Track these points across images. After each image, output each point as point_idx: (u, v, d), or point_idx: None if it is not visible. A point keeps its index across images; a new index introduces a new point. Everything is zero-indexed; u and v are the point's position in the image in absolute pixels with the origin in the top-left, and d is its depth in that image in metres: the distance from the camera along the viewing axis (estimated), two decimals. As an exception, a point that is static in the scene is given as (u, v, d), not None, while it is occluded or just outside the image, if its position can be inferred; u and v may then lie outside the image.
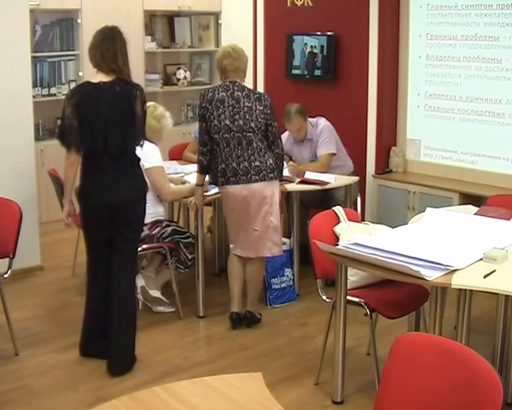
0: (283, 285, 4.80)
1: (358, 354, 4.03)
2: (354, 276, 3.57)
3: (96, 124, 3.62)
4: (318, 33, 6.35)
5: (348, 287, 3.39)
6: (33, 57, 5.63)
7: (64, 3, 6.28)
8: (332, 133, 5.35)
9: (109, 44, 3.65)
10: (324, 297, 3.59)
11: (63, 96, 6.16)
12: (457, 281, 2.84)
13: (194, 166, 4.45)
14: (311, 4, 6.46)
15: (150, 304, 4.56)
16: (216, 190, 4.38)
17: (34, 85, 5.95)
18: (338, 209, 3.85)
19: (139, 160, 3.81)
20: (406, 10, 5.89)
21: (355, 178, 5.19)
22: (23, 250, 4.34)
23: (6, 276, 3.92)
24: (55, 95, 6.35)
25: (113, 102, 3.64)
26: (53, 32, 6.34)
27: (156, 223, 4.47)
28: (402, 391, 2.17)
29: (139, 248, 4.22)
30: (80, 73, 6.32)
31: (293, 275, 4.87)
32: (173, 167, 5.10)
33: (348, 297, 3.37)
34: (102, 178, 3.70)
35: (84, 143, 3.65)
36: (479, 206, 4.09)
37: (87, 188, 3.74)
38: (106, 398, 2.24)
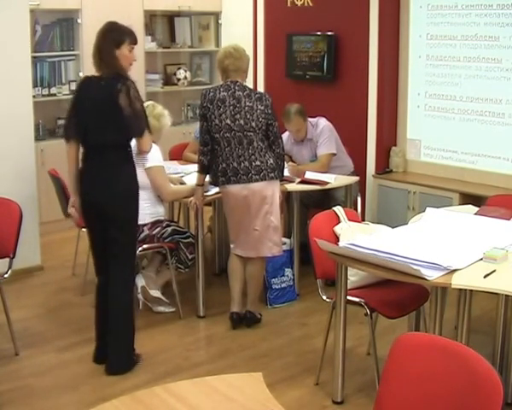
0: (283, 285, 4.80)
1: (358, 354, 4.03)
2: (354, 276, 3.57)
3: (81, 116, 3.71)
4: (318, 33, 6.35)
5: (348, 287, 3.39)
6: (33, 57, 5.63)
7: (64, 3, 6.29)
8: (332, 133, 5.36)
9: (95, 41, 3.72)
10: (324, 297, 3.59)
11: (63, 96, 6.28)
12: (457, 281, 2.84)
13: (195, 166, 4.45)
14: (311, 4, 6.46)
15: (150, 304, 4.56)
16: (216, 190, 4.38)
17: (34, 85, 5.95)
18: (338, 209, 3.85)
19: (131, 157, 3.73)
20: (406, 10, 5.89)
21: (355, 178, 5.19)
22: (23, 250, 4.34)
23: (6, 276, 3.92)
24: (55, 95, 6.36)
25: (96, 96, 3.67)
26: (53, 32, 6.34)
27: (156, 223, 4.47)
28: (402, 391, 2.17)
29: (140, 248, 4.23)
30: (80, 74, 6.29)
31: (294, 275, 4.87)
32: (173, 167, 5.10)
33: (348, 297, 3.37)
34: (87, 173, 3.74)
35: (74, 135, 3.73)
36: (479, 206, 4.09)
37: (79, 181, 3.78)
38: (106, 398, 2.23)
